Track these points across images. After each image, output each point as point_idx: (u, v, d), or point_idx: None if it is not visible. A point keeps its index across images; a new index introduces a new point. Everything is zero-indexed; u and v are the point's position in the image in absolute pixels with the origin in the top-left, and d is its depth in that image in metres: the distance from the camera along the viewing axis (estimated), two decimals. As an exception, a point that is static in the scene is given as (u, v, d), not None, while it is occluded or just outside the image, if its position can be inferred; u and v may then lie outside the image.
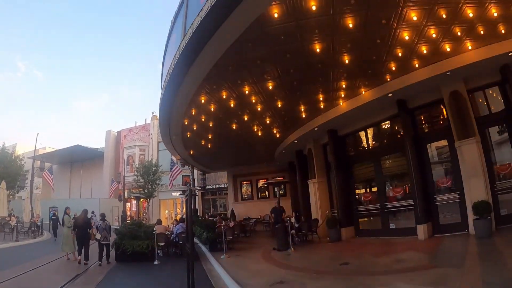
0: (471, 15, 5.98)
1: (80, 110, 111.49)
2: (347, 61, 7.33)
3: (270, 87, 8.35)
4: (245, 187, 20.52)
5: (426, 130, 9.71)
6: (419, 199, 8.61)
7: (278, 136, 13.32)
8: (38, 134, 22.13)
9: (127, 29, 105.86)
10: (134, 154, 28.86)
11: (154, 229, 10.26)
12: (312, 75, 8.03)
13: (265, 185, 20.41)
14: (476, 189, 7.53)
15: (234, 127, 11.64)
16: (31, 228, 16.71)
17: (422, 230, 8.36)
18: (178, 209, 26.63)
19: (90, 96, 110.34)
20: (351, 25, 6.03)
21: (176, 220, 14.12)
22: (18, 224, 15.61)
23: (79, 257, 9.45)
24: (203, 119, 10.57)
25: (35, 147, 18.96)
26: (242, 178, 20.44)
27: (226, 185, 24.13)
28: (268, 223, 17.16)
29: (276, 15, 5.49)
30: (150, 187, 24.50)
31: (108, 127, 33.72)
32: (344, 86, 8.78)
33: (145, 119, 31.77)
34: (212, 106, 9.49)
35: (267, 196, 20.24)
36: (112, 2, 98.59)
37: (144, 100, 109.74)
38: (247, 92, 8.53)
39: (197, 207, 23.63)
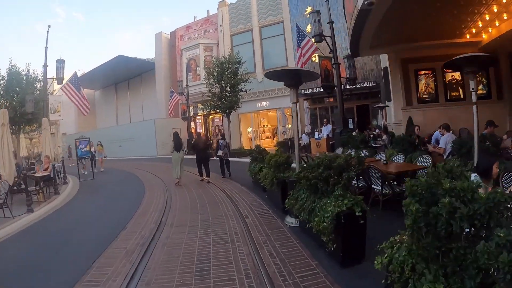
0: None
1: (123, 41, 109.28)
2: None
3: None
4: (423, 81, 11.01)
5: None
6: None
7: None
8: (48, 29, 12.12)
9: None
10: (197, 56, 20.21)
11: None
12: None
13: (456, 78, 10.86)
14: None
15: None
16: (37, 185, 8.38)
17: None
18: (270, 123, 18.28)
19: (132, 28, 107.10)
20: None
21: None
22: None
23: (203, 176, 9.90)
24: None
25: (46, 50, 10.58)
26: (418, 64, 10.82)
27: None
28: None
29: None
30: (229, 95, 16.23)
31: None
32: None
33: (208, 11, 22.54)
34: None
35: (462, 97, 10.83)
36: None
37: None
38: None
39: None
